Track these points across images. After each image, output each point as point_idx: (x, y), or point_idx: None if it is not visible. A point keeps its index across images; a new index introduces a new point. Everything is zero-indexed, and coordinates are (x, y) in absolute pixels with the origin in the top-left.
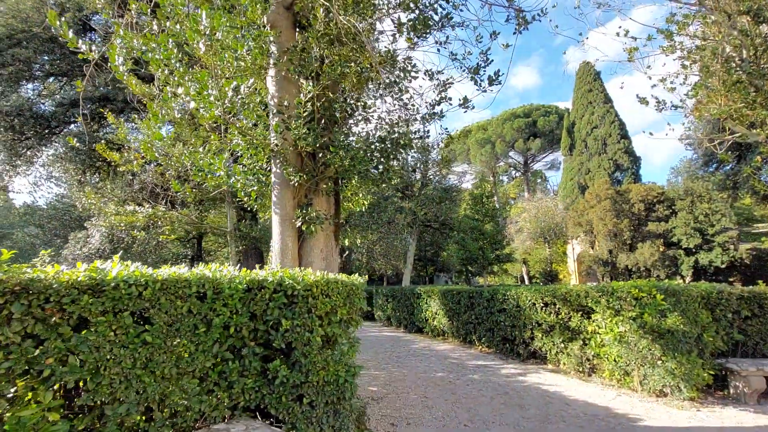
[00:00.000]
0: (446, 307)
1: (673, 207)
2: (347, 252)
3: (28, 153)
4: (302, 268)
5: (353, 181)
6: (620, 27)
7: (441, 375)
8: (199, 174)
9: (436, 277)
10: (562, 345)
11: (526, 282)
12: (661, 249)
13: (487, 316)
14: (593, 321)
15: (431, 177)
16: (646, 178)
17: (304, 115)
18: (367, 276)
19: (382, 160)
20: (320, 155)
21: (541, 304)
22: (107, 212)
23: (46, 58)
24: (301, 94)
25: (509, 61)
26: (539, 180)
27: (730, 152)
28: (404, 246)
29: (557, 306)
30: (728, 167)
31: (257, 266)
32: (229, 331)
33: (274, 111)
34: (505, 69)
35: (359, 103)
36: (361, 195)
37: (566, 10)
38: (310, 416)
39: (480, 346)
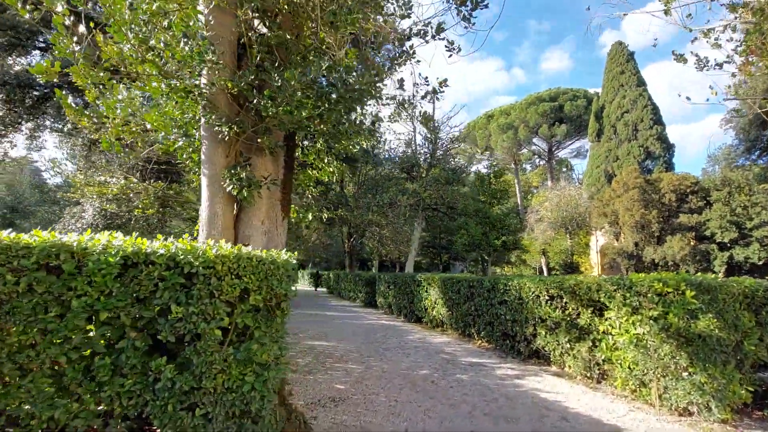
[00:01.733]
0: (446, 297)
1: (707, 198)
2: (353, 236)
3: (25, 127)
4: (238, 244)
5: (318, 144)
6: None
7: (425, 373)
8: (122, 129)
9: (451, 266)
10: (568, 345)
11: (545, 274)
12: (692, 243)
13: (487, 308)
14: (606, 319)
15: (439, 157)
16: (679, 169)
17: (235, 50)
18: (377, 262)
19: (333, 110)
20: (254, 102)
21: (546, 297)
22: (76, 182)
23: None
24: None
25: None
26: (564, 168)
27: None
28: (410, 230)
29: (564, 300)
30: None
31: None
32: (100, 317)
33: (204, 47)
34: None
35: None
36: (327, 161)
37: None
38: None
39: (479, 341)
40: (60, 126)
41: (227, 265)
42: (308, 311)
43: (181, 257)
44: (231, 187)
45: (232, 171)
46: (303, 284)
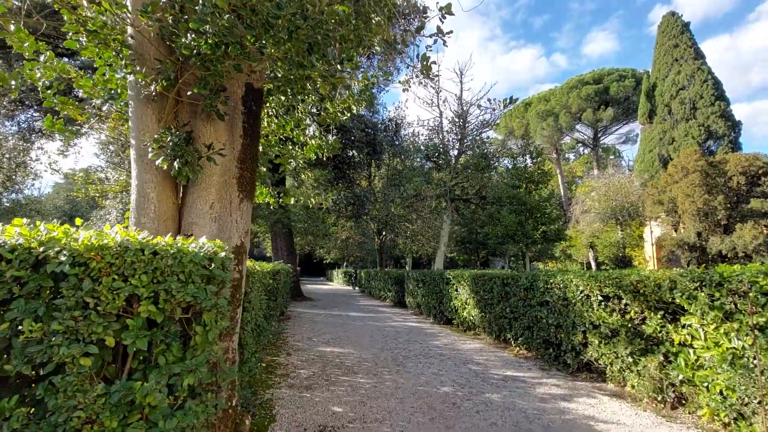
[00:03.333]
0: (477, 296)
1: None
2: (382, 233)
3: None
4: (181, 235)
5: (299, 109)
6: None
7: (446, 390)
8: (55, 100)
9: (490, 262)
10: (631, 359)
11: (594, 269)
12: (765, 231)
13: (525, 310)
14: (683, 327)
15: (468, 144)
16: (747, 150)
17: None
18: (410, 259)
19: (281, 40)
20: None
21: (599, 298)
22: (76, 180)
23: None
24: None
25: None
26: (611, 156)
27: None
28: (439, 223)
29: (623, 301)
30: None
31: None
32: None
33: None
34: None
35: None
36: (307, 130)
37: None
38: None
39: (516, 348)
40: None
41: (107, 260)
42: (332, 311)
43: (41, 250)
44: (160, 159)
45: (160, 138)
46: (339, 283)
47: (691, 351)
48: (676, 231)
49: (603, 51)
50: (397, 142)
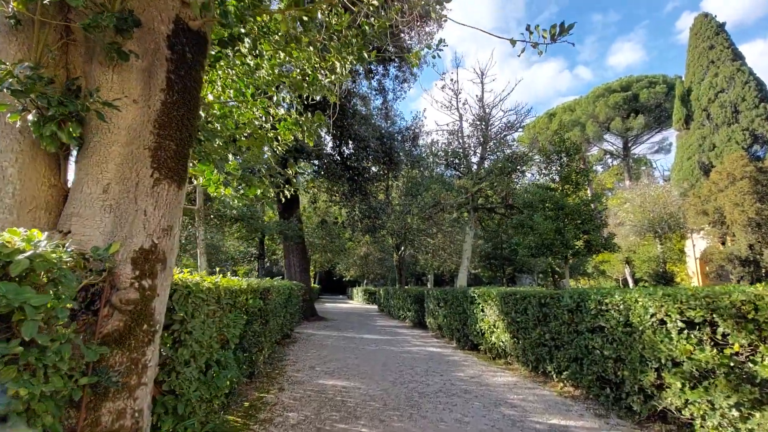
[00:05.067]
0: (508, 318)
1: None
2: (401, 248)
3: None
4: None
5: (265, 68)
6: None
7: None
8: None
9: (517, 279)
10: (736, 413)
11: (631, 286)
12: None
13: (571, 337)
14: None
15: (492, 148)
16: None
17: None
18: (432, 276)
19: None
20: None
21: (679, 324)
22: None
23: None
24: None
25: None
26: (644, 167)
27: None
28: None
29: (720, 329)
30: None
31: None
32: None
33: None
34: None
35: None
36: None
37: None
38: None
39: (560, 384)
40: None
41: None
42: (345, 333)
43: None
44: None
45: (18, 80)
46: (359, 301)
47: None
48: (723, 244)
49: (629, 61)
50: (415, 152)
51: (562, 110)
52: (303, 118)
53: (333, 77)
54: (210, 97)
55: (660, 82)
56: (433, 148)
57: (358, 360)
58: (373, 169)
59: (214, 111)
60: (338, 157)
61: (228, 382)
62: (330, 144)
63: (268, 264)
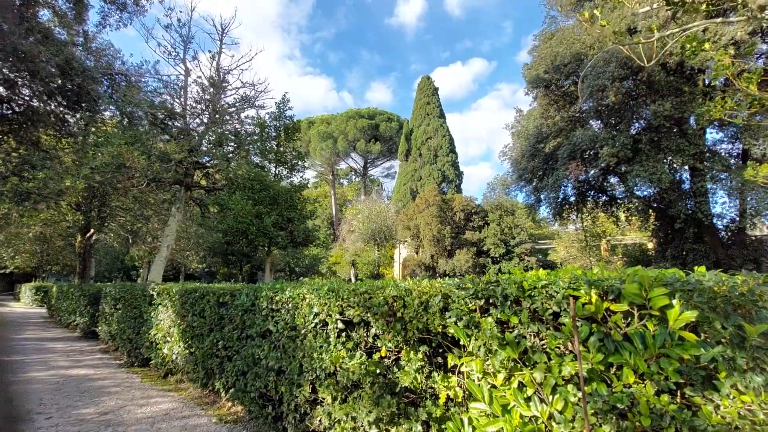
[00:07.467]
0: (184, 323)
1: (486, 218)
2: (90, 232)
3: None
4: None
5: None
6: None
7: None
8: None
9: (259, 279)
10: (375, 431)
11: None
12: (473, 257)
13: (242, 345)
14: (456, 373)
15: (218, 120)
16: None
17: None
18: (146, 272)
19: None
20: None
21: (338, 326)
22: None
23: None
24: None
25: None
26: (376, 187)
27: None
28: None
29: (372, 330)
30: (531, 185)
31: None
32: None
33: None
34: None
35: None
36: None
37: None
38: None
39: (228, 404)
40: None
41: None
42: None
43: None
44: None
45: None
46: (26, 303)
47: (465, 420)
48: (417, 253)
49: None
50: (115, 97)
51: (320, 120)
52: None
53: None
54: None
55: (395, 119)
56: (145, 94)
57: None
58: (46, 107)
59: None
60: None
61: None
62: None
63: None
